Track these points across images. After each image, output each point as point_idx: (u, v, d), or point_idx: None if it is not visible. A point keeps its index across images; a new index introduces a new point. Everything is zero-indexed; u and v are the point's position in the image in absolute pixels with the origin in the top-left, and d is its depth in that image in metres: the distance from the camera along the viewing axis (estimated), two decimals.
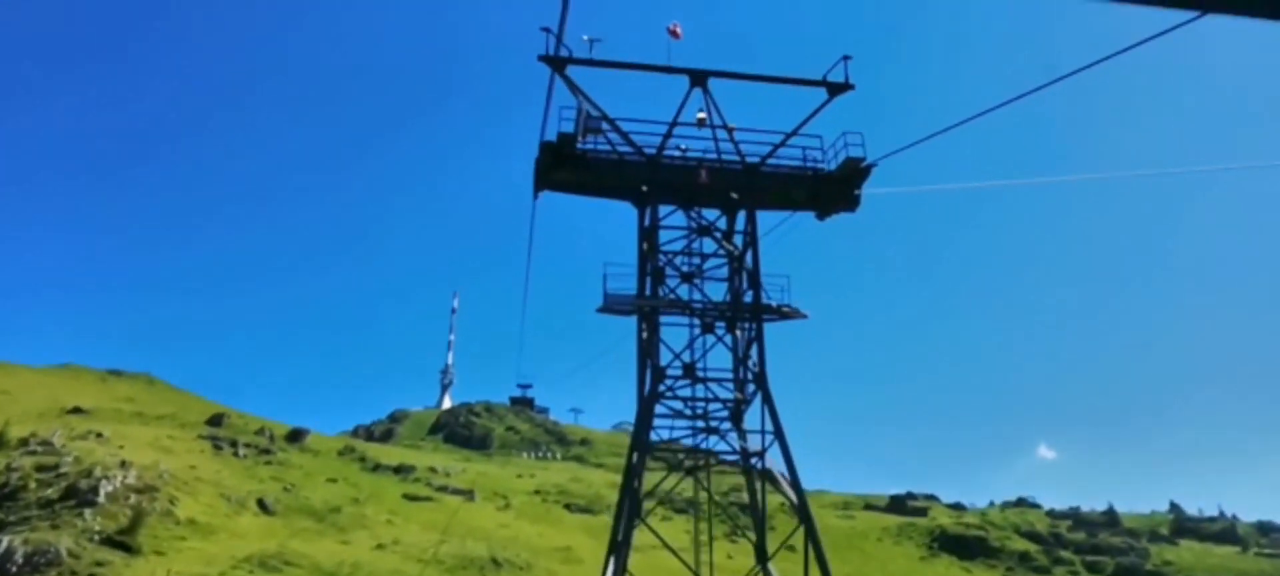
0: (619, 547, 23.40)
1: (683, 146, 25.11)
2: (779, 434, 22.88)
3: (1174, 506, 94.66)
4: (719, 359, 24.28)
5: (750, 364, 23.65)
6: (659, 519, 52.86)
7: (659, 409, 23.45)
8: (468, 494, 65.63)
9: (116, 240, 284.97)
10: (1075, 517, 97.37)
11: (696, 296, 24.32)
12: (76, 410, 71.16)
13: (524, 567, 46.48)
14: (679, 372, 23.68)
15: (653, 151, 24.55)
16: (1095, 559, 62.68)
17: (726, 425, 24.15)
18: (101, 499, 39.14)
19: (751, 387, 23.41)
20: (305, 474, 62.88)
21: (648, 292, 24.16)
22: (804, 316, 23.80)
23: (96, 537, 36.25)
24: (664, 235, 24.33)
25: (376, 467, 70.77)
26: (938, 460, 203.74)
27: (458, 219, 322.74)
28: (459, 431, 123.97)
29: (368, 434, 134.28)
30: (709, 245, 25.09)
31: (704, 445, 23.80)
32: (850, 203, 25.36)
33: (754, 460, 23.58)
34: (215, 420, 73.74)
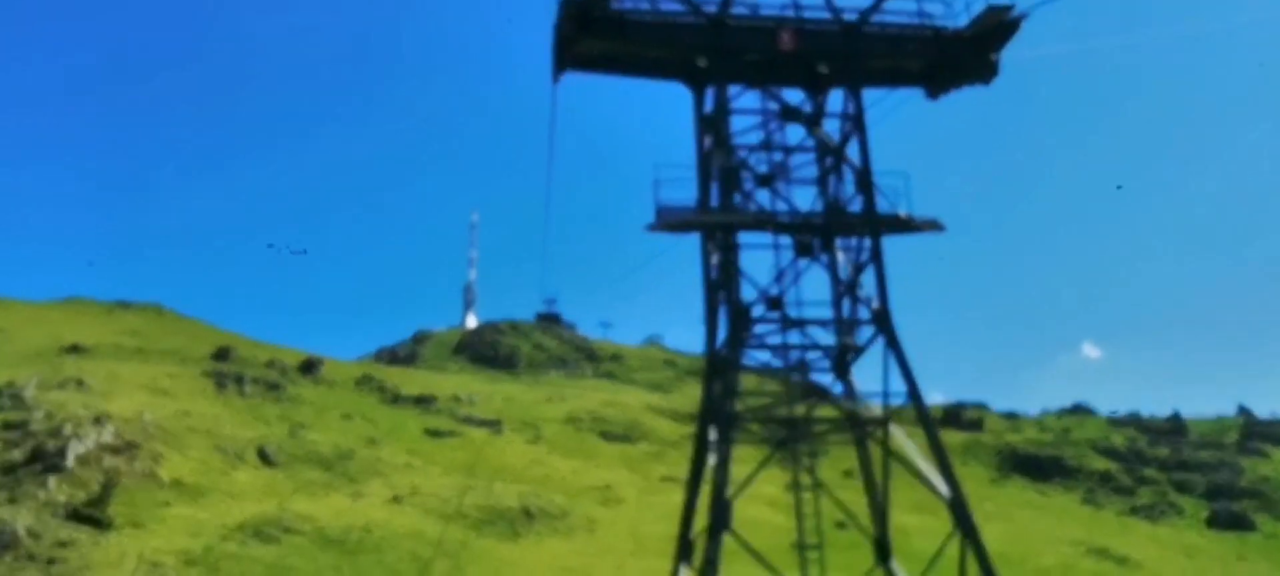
0: (688, 551, 17.32)
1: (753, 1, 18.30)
2: (913, 392, 16.53)
3: (1243, 410, 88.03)
4: (812, 289, 17.94)
5: (860, 295, 17.23)
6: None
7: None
8: (494, 425, 60.14)
9: (124, 165, 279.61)
10: (1137, 424, 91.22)
11: (780, 206, 17.80)
12: (74, 349, 66.09)
13: (560, 515, 40.90)
14: (761, 311, 17.32)
15: (714, 8, 17.81)
16: (1183, 476, 56.58)
17: (829, 378, 17.88)
18: (70, 462, 33.66)
19: (865, 329, 17.02)
20: (317, 410, 57.47)
21: (715, 203, 17.65)
22: (937, 227, 17.21)
23: (61, 511, 30.87)
24: (734, 123, 17.70)
25: (396, 399, 65.31)
26: (978, 361, 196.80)
27: (475, 123, 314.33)
28: (484, 351, 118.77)
29: (392, 356, 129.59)
30: (794, 135, 18.44)
31: (799, 408, 17.56)
32: (984, 72, 18.52)
33: (870, 426, 17.33)
34: (222, 353, 68.38)
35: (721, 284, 17.06)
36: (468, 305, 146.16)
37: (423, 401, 65.47)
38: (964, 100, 19.67)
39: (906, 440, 16.84)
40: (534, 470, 49.04)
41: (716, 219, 16.73)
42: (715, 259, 17.41)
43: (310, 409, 57.57)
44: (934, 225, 16.93)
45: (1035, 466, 57.07)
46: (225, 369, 63.33)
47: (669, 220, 17.21)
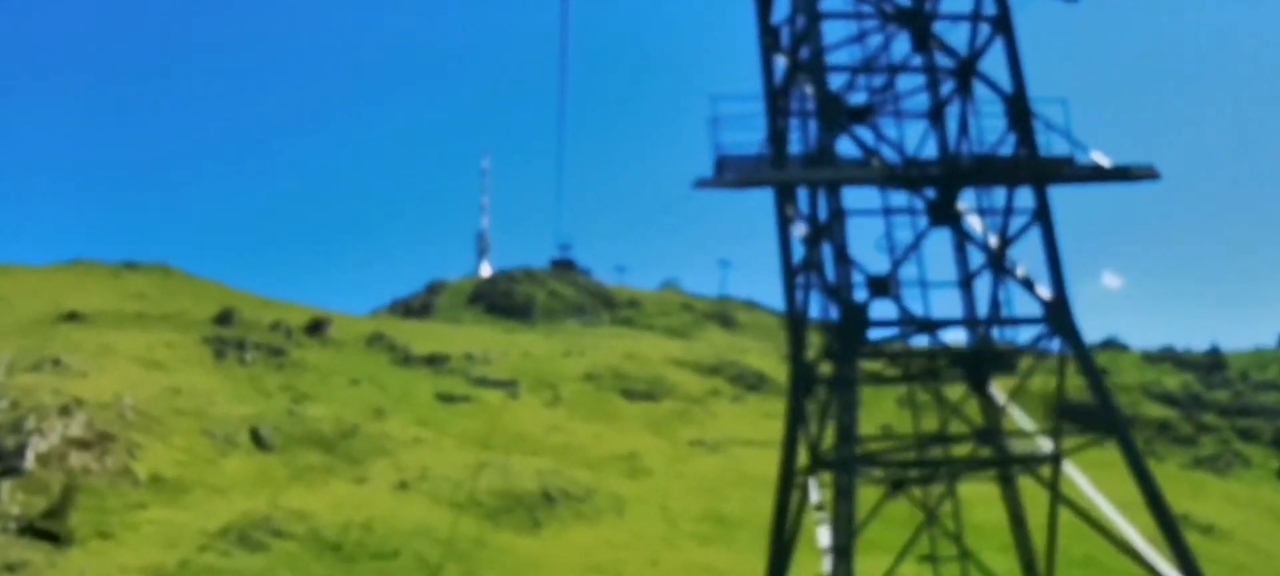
0: None
1: None
2: (1109, 414, 11.41)
3: None
4: (934, 265, 12.74)
5: (1010, 270, 11.98)
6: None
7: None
8: (510, 386, 55.30)
9: (128, 122, 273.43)
10: (1174, 358, 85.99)
11: (885, 150, 12.40)
12: (72, 316, 61.40)
13: (583, 497, 36.06)
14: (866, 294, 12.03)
15: None
16: (1247, 422, 51.32)
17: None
18: (29, 463, 28.89)
19: (1036, 328, 11.80)
20: (322, 377, 52.67)
21: (796, 149, 12.24)
22: (1151, 175, 11.87)
23: (13, 525, 26.12)
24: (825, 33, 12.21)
25: (407, 360, 60.45)
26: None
27: (482, 65, 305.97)
28: (499, 301, 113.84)
29: (406, 308, 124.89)
30: (899, 50, 12.96)
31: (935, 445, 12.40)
32: None
33: (1031, 463, 12.20)
34: (225, 316, 63.57)
35: (812, 264, 11.73)
36: (481, 253, 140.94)
37: (435, 361, 60.56)
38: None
39: (1082, 478, 11.63)
40: (553, 438, 44.19)
41: (825, 173, 11.32)
42: (800, 229, 12.06)
43: (314, 376, 52.79)
44: (1147, 173, 11.53)
45: (1085, 414, 51.86)
46: (227, 333, 58.55)
47: (736, 174, 11.81)
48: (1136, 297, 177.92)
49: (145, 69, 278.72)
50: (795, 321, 12.15)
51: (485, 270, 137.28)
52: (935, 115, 12.57)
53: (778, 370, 66.00)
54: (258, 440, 36.18)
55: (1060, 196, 12.24)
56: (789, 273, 12.20)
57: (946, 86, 12.47)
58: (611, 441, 45.07)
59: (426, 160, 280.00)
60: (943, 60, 12.33)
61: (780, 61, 12.61)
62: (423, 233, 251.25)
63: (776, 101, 12.68)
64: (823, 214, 11.48)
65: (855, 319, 11.21)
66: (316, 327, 67.50)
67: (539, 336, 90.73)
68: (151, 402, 37.88)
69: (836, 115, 11.66)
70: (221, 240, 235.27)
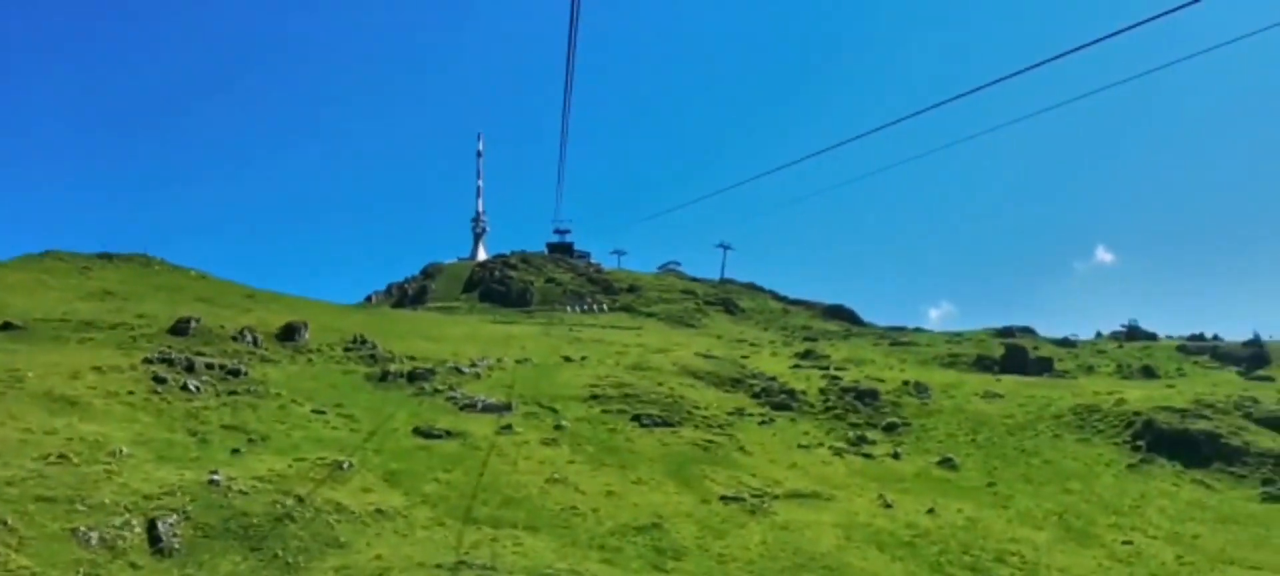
0: None
1: None
2: None
3: None
4: None
5: None
6: None
7: None
8: (502, 410, 43.92)
9: (117, 103, 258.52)
10: (1213, 350, 74.88)
11: None
12: (6, 327, 49.89)
13: None
14: None
15: None
16: None
17: None
18: None
19: None
20: (280, 406, 41.11)
21: None
22: None
23: None
24: None
25: (385, 377, 48.91)
26: (988, 273, 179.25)
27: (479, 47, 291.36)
28: (495, 288, 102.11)
29: (401, 292, 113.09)
30: None
31: None
32: None
33: None
34: (182, 326, 51.85)
35: None
36: (477, 236, 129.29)
37: (418, 377, 49.02)
38: None
39: None
40: (555, 498, 32.78)
41: None
42: None
43: (274, 404, 41.31)
44: None
45: (1184, 446, 40.68)
46: (179, 351, 46.89)
47: None
48: (1132, 273, 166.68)
49: (140, 53, 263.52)
50: None
51: (481, 253, 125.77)
52: None
53: (803, 382, 54.69)
54: (154, 539, 24.61)
55: None
56: None
57: None
58: (627, 499, 33.67)
59: (425, 141, 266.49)
60: None
61: None
62: (421, 213, 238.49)
63: None
64: None
65: None
66: (290, 334, 55.93)
67: (536, 329, 79.09)
68: (26, 477, 26.27)
69: None
70: (215, 225, 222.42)
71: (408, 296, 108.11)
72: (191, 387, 40.98)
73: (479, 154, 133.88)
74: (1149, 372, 66.80)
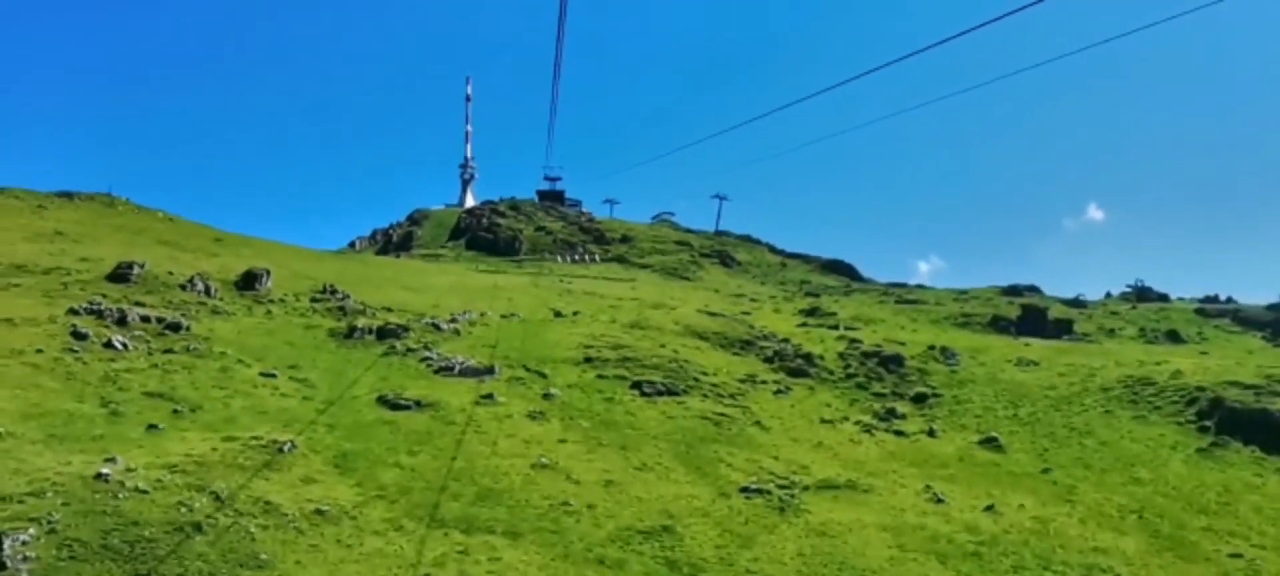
0: None
1: None
2: None
3: None
4: None
5: None
6: None
7: None
8: (484, 374, 36.82)
9: (101, 48, 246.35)
10: (1234, 314, 68.37)
11: None
12: None
13: None
14: None
15: None
16: None
17: None
18: None
19: None
20: (222, 369, 33.81)
21: None
22: None
23: None
24: None
25: (352, 333, 41.62)
26: (979, 227, 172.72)
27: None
28: (482, 236, 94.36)
29: (386, 238, 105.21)
30: None
31: None
32: None
33: None
34: (123, 272, 44.27)
35: None
36: (465, 183, 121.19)
37: (388, 334, 41.75)
38: None
39: None
40: (543, 489, 25.84)
41: None
42: None
43: (211, 367, 33.98)
44: None
45: (1258, 428, 34.11)
46: (113, 300, 39.48)
47: None
48: (1124, 228, 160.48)
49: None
50: None
51: (469, 200, 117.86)
52: None
53: (818, 345, 47.74)
54: None
55: None
56: None
57: None
58: (630, 491, 26.72)
59: (414, 84, 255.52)
60: None
61: None
62: (409, 158, 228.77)
63: None
64: None
65: None
66: (249, 282, 48.40)
67: (525, 280, 71.73)
68: None
69: None
70: (195, 170, 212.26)
71: (392, 243, 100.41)
72: (117, 344, 33.65)
73: (468, 98, 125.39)
74: (1174, 337, 60.31)
